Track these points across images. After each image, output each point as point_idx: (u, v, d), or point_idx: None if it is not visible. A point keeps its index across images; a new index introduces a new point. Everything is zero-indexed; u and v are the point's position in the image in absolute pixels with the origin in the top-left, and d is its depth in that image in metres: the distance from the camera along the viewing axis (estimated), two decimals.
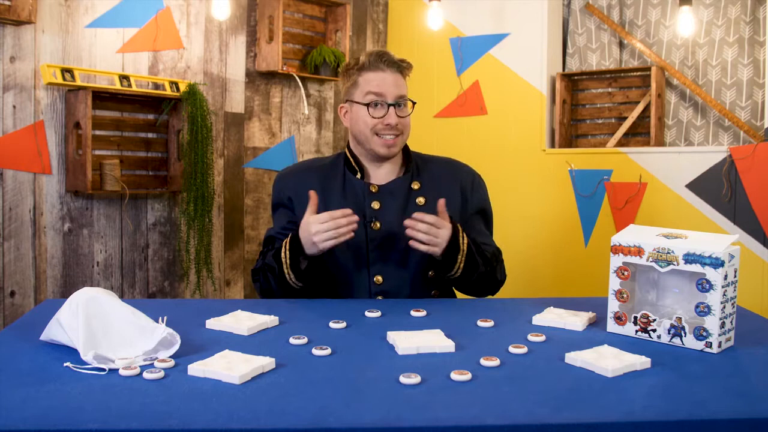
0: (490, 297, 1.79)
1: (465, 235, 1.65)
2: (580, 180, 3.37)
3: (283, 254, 1.64)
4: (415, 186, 1.79)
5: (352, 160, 1.79)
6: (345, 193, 1.76)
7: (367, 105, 1.72)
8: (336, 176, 1.79)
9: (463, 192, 1.81)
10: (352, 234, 1.58)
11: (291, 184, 1.80)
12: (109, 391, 0.96)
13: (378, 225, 1.73)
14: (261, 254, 1.80)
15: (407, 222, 1.60)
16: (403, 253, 1.70)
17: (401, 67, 1.75)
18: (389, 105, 1.71)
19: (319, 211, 1.64)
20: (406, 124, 1.75)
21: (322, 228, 1.55)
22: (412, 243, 1.60)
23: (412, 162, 1.83)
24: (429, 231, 1.58)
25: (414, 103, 1.78)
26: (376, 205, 1.74)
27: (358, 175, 1.78)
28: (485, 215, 1.87)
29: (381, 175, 1.80)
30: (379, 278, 1.72)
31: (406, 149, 1.85)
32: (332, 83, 3.72)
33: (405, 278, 1.72)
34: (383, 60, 1.73)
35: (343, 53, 3.55)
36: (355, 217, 1.58)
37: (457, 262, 1.63)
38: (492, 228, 1.90)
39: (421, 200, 1.77)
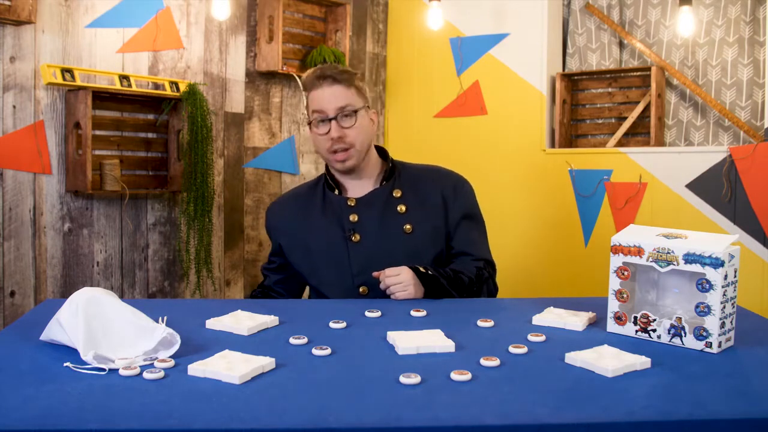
0: (490, 297, 1.79)
1: (431, 268, 1.65)
2: (580, 180, 3.37)
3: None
4: (397, 194, 1.77)
5: (329, 178, 1.82)
6: (325, 211, 1.78)
7: (312, 125, 1.74)
8: (316, 196, 1.82)
9: (444, 199, 1.78)
10: None
11: (277, 214, 1.87)
12: (109, 391, 0.96)
13: (357, 237, 1.73)
14: (259, 286, 1.93)
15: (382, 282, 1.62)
16: (386, 262, 1.66)
17: (338, 78, 1.70)
18: (330, 119, 1.70)
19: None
20: (355, 135, 1.71)
21: None
22: (392, 296, 1.61)
23: (394, 170, 1.81)
24: (390, 277, 1.60)
25: (368, 109, 1.76)
26: (353, 217, 1.74)
27: (336, 192, 1.79)
28: (472, 220, 1.82)
29: (358, 188, 1.80)
30: (364, 289, 1.72)
31: (386, 157, 1.84)
32: None
33: None
34: (317, 76, 1.71)
35: (343, 53, 3.55)
36: None
37: (444, 288, 1.63)
38: (484, 233, 1.86)
39: (402, 208, 1.75)
